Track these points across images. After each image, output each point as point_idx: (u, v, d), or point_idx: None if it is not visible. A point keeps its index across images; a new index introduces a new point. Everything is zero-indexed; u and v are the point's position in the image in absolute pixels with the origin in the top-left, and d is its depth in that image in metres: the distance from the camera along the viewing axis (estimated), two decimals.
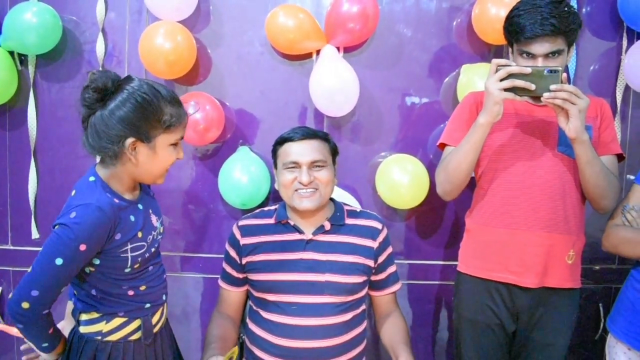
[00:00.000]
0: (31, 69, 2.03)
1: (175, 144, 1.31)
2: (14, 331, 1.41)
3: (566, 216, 1.62)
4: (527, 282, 1.61)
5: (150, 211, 1.39)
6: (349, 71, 1.93)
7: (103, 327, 1.32)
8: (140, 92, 1.22)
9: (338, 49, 1.99)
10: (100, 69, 2.01)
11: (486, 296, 1.67)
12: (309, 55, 2.02)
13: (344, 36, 1.93)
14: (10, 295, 1.22)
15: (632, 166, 2.12)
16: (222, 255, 1.71)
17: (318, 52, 1.99)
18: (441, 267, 2.15)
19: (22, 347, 1.37)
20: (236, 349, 1.44)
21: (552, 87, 1.43)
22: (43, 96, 2.06)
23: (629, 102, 2.12)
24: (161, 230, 1.43)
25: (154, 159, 1.28)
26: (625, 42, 2.08)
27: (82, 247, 1.19)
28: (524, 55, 1.56)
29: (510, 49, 1.65)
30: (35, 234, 2.09)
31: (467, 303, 1.72)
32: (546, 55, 1.53)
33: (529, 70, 1.45)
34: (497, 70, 1.47)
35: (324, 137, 1.64)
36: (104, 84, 1.21)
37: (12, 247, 2.12)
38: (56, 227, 1.21)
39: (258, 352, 1.57)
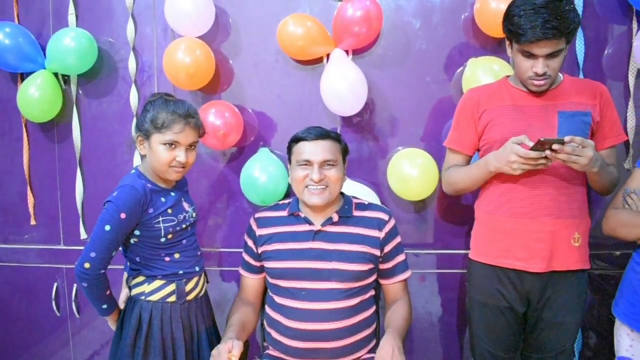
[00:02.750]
0: (73, 87, 2.27)
1: (170, 145, 1.60)
2: None
3: (569, 201, 1.68)
4: (534, 268, 1.67)
5: (183, 199, 1.73)
6: (356, 72, 2.04)
7: (145, 288, 1.66)
8: (150, 104, 1.64)
9: (347, 52, 2.10)
10: (133, 84, 2.23)
11: (496, 281, 1.74)
12: (319, 60, 2.15)
13: (351, 39, 2.05)
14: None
15: None
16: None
17: (328, 56, 2.11)
18: (462, 255, 2.22)
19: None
20: (241, 350, 1.52)
21: (548, 154, 1.51)
22: (85, 111, 2.30)
23: None
24: (193, 215, 1.75)
25: (152, 153, 1.63)
26: (635, 26, 2.08)
27: (123, 215, 1.55)
28: (524, 54, 1.60)
29: (508, 44, 1.69)
30: (83, 235, 2.33)
31: (478, 287, 1.80)
32: (546, 56, 1.57)
33: (543, 154, 1.52)
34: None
35: (336, 138, 1.75)
36: (147, 99, 1.69)
37: (64, 247, 2.37)
38: (105, 204, 1.59)
39: (274, 334, 1.71)
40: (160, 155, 1.60)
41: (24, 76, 2.26)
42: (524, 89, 1.71)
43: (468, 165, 1.81)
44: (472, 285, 1.84)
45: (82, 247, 2.27)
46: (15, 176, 2.35)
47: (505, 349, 1.79)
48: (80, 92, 2.29)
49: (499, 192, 1.73)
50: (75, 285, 2.35)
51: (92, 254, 1.54)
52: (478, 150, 1.81)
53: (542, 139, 1.49)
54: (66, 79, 2.27)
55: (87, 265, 1.54)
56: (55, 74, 2.22)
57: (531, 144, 1.53)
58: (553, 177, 1.66)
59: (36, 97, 2.14)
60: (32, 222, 2.36)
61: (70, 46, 2.09)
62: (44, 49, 2.20)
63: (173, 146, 1.60)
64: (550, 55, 1.58)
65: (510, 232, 1.70)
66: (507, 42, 1.70)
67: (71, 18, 2.22)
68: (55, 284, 2.37)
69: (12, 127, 2.33)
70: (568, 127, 1.65)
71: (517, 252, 1.69)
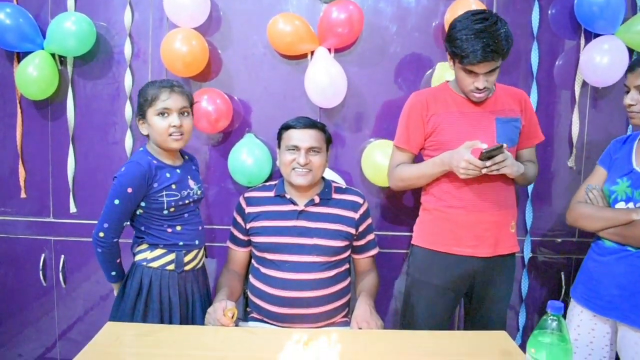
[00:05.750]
0: (69, 68, 2.39)
1: (162, 114, 1.75)
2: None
3: (508, 194, 1.93)
4: (482, 253, 1.90)
5: (189, 177, 1.86)
6: (338, 69, 2.25)
7: (148, 255, 1.80)
8: (140, 90, 1.80)
9: (329, 50, 2.31)
10: (128, 68, 2.36)
11: (443, 264, 1.93)
12: (304, 56, 2.34)
13: (334, 39, 2.25)
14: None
15: (590, 155, 2.41)
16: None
17: (312, 53, 2.31)
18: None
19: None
20: (235, 310, 1.69)
21: (484, 170, 1.75)
22: (79, 92, 2.42)
23: (587, 96, 2.40)
24: (198, 192, 1.89)
25: (151, 129, 1.77)
26: (582, 41, 2.36)
27: (129, 190, 1.71)
28: (466, 71, 1.80)
29: (450, 59, 1.85)
30: (73, 209, 2.46)
31: (423, 270, 1.97)
32: (485, 73, 1.78)
33: (485, 163, 1.74)
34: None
35: (322, 128, 1.96)
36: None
37: (53, 220, 2.49)
38: (114, 180, 1.74)
39: (259, 302, 1.91)
40: (157, 125, 1.74)
41: (20, 55, 2.35)
42: (464, 96, 1.91)
43: (420, 163, 1.97)
44: (417, 269, 1.99)
45: (71, 220, 2.47)
46: (8, 151, 2.44)
47: (442, 328, 1.96)
48: (75, 73, 2.40)
49: (448, 187, 1.91)
50: (62, 256, 2.48)
51: (105, 225, 1.73)
52: (422, 149, 2.00)
53: (484, 151, 1.71)
54: (62, 60, 2.37)
55: (101, 234, 1.73)
56: (53, 55, 2.32)
57: (484, 146, 1.73)
58: (495, 175, 1.84)
59: (34, 76, 2.24)
60: (23, 195, 2.46)
61: (70, 29, 2.21)
62: (41, 30, 2.30)
63: (166, 114, 1.74)
64: (489, 72, 1.79)
65: (461, 224, 1.90)
66: (449, 58, 1.86)
67: (70, 2, 2.33)
68: (43, 255, 2.48)
69: (6, 103, 2.42)
70: (504, 131, 1.89)
71: (468, 240, 1.90)
